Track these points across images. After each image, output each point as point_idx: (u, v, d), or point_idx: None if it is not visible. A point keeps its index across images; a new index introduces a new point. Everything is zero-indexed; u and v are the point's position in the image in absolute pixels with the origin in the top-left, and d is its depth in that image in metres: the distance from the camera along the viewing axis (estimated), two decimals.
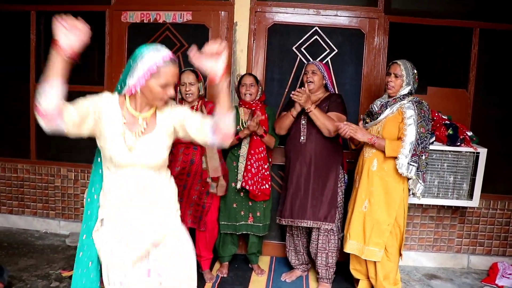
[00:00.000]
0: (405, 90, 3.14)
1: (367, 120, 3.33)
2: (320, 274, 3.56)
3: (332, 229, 3.43)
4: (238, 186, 3.53)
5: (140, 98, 2.01)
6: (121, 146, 1.99)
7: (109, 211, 2.09)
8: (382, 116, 3.17)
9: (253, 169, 3.52)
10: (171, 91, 2.00)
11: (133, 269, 2.07)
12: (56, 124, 1.82)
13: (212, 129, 1.99)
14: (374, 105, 3.28)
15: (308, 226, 3.42)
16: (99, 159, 2.18)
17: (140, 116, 2.04)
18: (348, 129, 3.09)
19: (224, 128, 1.96)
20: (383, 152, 3.08)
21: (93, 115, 1.97)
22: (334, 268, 3.54)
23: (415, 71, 3.16)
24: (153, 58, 1.92)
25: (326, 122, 3.26)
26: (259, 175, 3.55)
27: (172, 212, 2.22)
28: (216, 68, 1.89)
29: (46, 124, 1.79)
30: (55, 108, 1.77)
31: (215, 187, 3.48)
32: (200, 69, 1.88)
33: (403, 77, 3.12)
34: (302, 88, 3.32)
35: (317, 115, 3.26)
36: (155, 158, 2.05)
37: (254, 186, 3.51)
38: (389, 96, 3.23)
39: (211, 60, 1.89)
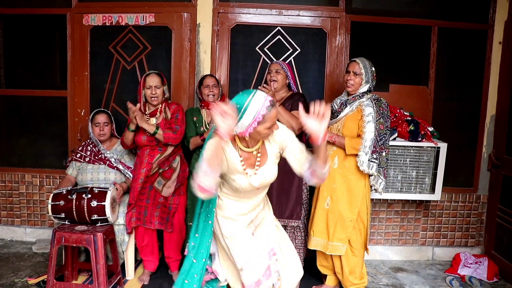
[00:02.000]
0: (364, 88, 3.20)
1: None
2: None
3: (299, 226, 3.47)
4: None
5: (249, 138, 2.32)
6: (243, 179, 2.37)
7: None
8: (342, 114, 3.22)
9: None
10: (274, 128, 2.27)
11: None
12: (213, 194, 2.21)
13: (309, 170, 2.31)
14: (334, 103, 3.34)
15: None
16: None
17: (253, 150, 2.38)
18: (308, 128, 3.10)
19: (320, 175, 2.28)
20: (344, 149, 3.14)
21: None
22: (302, 264, 3.57)
23: (373, 69, 3.22)
24: (258, 108, 2.17)
25: (290, 120, 3.29)
26: None
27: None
28: (320, 130, 2.10)
29: (205, 196, 2.18)
30: (215, 186, 2.13)
31: (161, 184, 3.47)
32: (306, 127, 2.13)
33: (362, 75, 3.18)
34: (267, 85, 3.36)
35: (281, 113, 3.29)
36: (271, 180, 2.47)
37: None
38: (349, 94, 3.29)
39: (316, 121, 2.09)
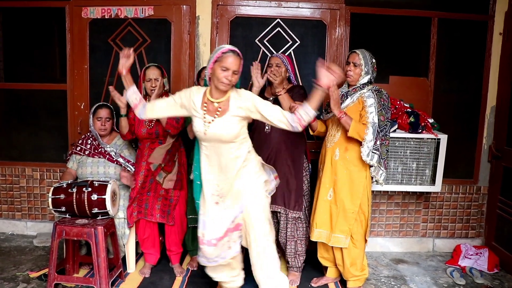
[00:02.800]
0: (365, 79, 3.19)
1: (329, 110, 3.37)
2: (290, 263, 3.60)
3: (300, 217, 3.47)
4: (191, 177, 3.54)
5: (212, 85, 2.66)
6: (200, 124, 2.69)
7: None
8: (343, 106, 3.21)
9: None
10: (229, 77, 2.55)
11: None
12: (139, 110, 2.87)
13: (294, 120, 2.61)
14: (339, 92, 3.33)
15: (274, 210, 3.46)
16: None
17: (216, 102, 2.66)
18: (331, 90, 3.03)
19: (305, 118, 2.59)
20: (346, 131, 3.10)
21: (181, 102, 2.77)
22: (304, 256, 3.58)
23: (374, 60, 3.21)
24: (219, 50, 2.58)
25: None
26: None
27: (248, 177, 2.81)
28: (327, 79, 2.54)
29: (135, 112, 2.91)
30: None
31: (162, 177, 3.48)
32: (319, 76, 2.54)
33: (361, 66, 3.18)
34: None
35: (286, 99, 3.29)
36: (225, 135, 2.65)
37: None
38: (349, 86, 3.28)
39: (326, 72, 2.54)
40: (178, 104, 2.78)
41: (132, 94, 2.90)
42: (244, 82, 4.02)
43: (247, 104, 2.65)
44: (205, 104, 2.69)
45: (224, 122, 2.65)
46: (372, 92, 3.13)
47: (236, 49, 2.60)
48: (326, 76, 2.52)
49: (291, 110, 3.18)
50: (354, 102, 3.18)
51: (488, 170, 4.26)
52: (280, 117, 2.63)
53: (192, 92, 2.75)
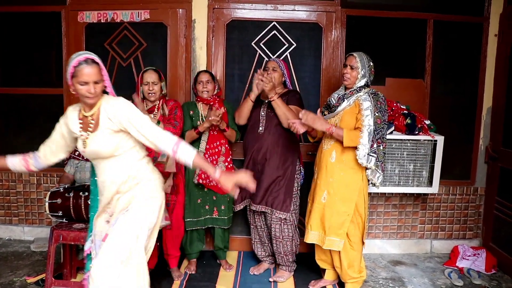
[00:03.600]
0: (361, 82, 3.20)
1: (325, 113, 3.38)
2: (278, 261, 3.66)
3: (286, 218, 3.49)
4: (195, 180, 3.55)
5: (81, 99, 2.38)
6: (79, 141, 2.45)
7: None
8: (339, 108, 3.22)
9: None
10: (91, 89, 2.29)
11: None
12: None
13: (167, 152, 2.38)
14: (332, 98, 3.34)
15: (260, 210, 3.50)
16: None
17: (88, 115, 2.40)
18: (304, 121, 3.11)
19: (179, 159, 2.37)
20: (341, 142, 3.12)
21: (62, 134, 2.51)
22: (292, 257, 3.62)
23: (371, 63, 3.22)
24: (71, 63, 2.28)
25: (287, 112, 3.34)
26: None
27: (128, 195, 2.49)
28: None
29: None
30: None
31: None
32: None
33: (358, 69, 3.18)
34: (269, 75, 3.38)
35: (279, 104, 3.32)
36: (102, 151, 2.40)
37: (208, 180, 3.55)
38: (346, 88, 3.29)
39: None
40: (62, 135, 2.50)
41: (15, 164, 2.59)
42: (241, 86, 4.05)
43: (119, 117, 2.35)
44: (80, 121, 2.43)
45: (98, 136, 2.38)
46: (369, 95, 3.14)
47: (90, 56, 2.31)
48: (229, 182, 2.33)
49: (290, 126, 3.19)
50: (350, 105, 3.18)
51: (485, 171, 4.26)
52: (154, 141, 2.36)
53: (66, 115, 2.48)
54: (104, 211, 2.53)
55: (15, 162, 2.59)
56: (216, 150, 3.58)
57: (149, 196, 2.52)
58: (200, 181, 3.54)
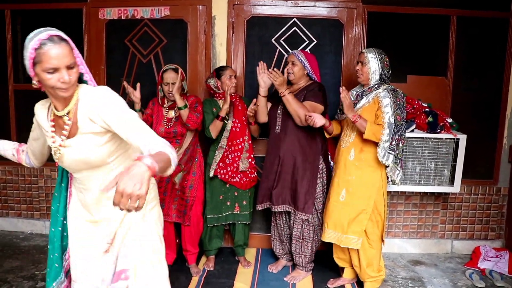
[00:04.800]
0: (375, 76, 3.18)
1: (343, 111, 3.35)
2: (295, 261, 3.64)
3: (308, 220, 3.46)
4: (211, 174, 3.56)
5: (49, 93, 1.81)
6: (54, 153, 1.94)
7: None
8: (358, 106, 3.20)
9: (227, 160, 3.57)
10: (64, 76, 1.69)
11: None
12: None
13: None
14: (350, 95, 3.31)
15: (282, 210, 3.50)
16: None
17: (63, 114, 1.83)
18: (316, 118, 3.12)
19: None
20: (362, 133, 3.09)
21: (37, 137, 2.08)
22: (310, 258, 3.59)
23: (384, 57, 3.19)
24: (30, 44, 1.66)
25: (297, 109, 3.26)
26: (233, 166, 3.59)
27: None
28: None
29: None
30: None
31: (180, 178, 3.52)
32: None
33: (368, 64, 3.17)
34: (278, 70, 3.34)
35: (289, 101, 3.27)
36: (85, 160, 1.85)
37: (227, 176, 3.57)
38: (364, 86, 3.26)
39: None
40: (38, 139, 2.08)
41: (6, 151, 2.24)
42: (253, 83, 4.02)
43: (102, 115, 1.77)
44: (52, 123, 1.89)
45: (79, 143, 1.83)
46: (388, 92, 3.11)
47: (54, 32, 1.69)
48: None
49: (307, 119, 3.17)
50: (369, 102, 3.16)
51: (508, 171, 4.18)
52: (138, 143, 1.69)
53: (35, 113, 1.97)
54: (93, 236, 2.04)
55: (6, 148, 2.23)
56: (240, 146, 3.58)
57: (150, 200, 2.10)
58: (219, 176, 3.55)
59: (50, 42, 1.65)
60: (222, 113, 3.47)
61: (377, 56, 3.18)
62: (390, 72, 3.22)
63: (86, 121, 1.79)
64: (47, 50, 1.64)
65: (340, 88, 3.10)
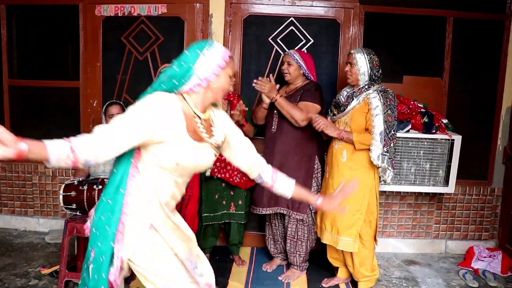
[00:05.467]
0: (365, 76, 3.19)
1: (335, 112, 3.35)
2: (289, 260, 3.65)
3: (303, 220, 3.46)
4: (207, 173, 3.54)
5: (203, 95, 1.86)
6: (188, 152, 1.82)
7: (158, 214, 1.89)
8: (349, 107, 3.20)
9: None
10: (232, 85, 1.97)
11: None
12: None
13: (270, 178, 2.12)
14: (341, 96, 3.34)
15: (277, 212, 3.49)
16: (132, 160, 1.84)
17: (204, 116, 1.91)
18: (315, 125, 3.15)
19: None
20: (353, 144, 3.13)
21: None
22: (304, 257, 3.59)
23: (373, 56, 3.20)
24: (222, 50, 1.85)
25: (292, 111, 3.26)
26: (232, 165, 3.56)
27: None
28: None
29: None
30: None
31: None
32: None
33: (357, 65, 3.18)
34: (265, 78, 3.33)
35: (282, 105, 3.27)
36: (212, 162, 1.98)
37: (224, 174, 3.55)
38: (354, 87, 3.28)
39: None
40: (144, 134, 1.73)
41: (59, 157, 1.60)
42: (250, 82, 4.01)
43: (224, 122, 2.07)
44: (199, 125, 1.90)
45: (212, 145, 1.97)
46: (378, 93, 3.11)
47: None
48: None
49: (312, 122, 3.17)
50: (360, 104, 3.16)
51: (502, 172, 4.20)
52: (252, 154, 2.10)
53: (160, 109, 1.74)
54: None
55: (59, 153, 1.61)
56: None
57: None
58: (219, 175, 3.55)
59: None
60: None
61: (366, 57, 3.18)
62: (380, 72, 3.23)
63: (220, 125, 2.01)
64: (231, 61, 1.90)
65: (314, 118, 3.14)
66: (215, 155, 1.97)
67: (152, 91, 1.84)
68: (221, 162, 3.55)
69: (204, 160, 1.90)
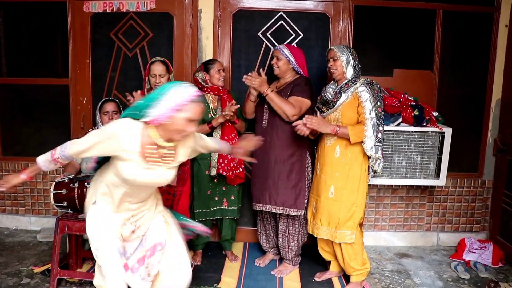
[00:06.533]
0: (349, 69, 3.21)
1: (323, 109, 3.35)
2: (282, 255, 3.66)
3: (295, 216, 3.47)
4: (213, 173, 3.53)
5: (161, 130, 2.12)
6: (135, 172, 2.17)
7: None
8: (338, 103, 3.20)
9: (229, 155, 3.53)
10: (192, 128, 2.11)
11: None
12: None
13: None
14: (327, 93, 3.34)
15: (276, 212, 3.47)
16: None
17: (167, 145, 2.19)
18: (309, 125, 3.11)
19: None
20: (347, 139, 3.13)
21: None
22: (296, 252, 3.60)
23: (352, 50, 3.26)
24: (184, 93, 2.05)
25: (282, 106, 3.26)
26: (235, 161, 3.56)
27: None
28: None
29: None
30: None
31: None
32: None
33: (340, 57, 3.21)
34: (254, 72, 3.33)
35: (272, 99, 3.27)
36: (169, 180, 2.32)
37: (231, 172, 3.55)
38: (337, 82, 3.30)
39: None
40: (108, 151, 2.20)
41: (47, 165, 2.34)
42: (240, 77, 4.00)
43: (191, 142, 2.36)
44: (150, 146, 2.17)
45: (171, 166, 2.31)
46: (365, 86, 3.14)
47: (199, 92, 2.14)
48: None
49: (296, 130, 3.18)
50: (349, 98, 3.17)
51: (493, 164, 4.22)
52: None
53: (123, 132, 2.10)
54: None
55: (46, 162, 2.30)
56: (234, 141, 3.55)
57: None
58: (224, 173, 3.54)
59: (197, 100, 2.07)
60: (215, 123, 3.47)
61: (346, 50, 3.23)
62: (359, 66, 3.26)
63: (184, 150, 2.31)
64: (194, 106, 2.06)
65: (303, 120, 3.12)
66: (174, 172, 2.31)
67: (123, 116, 2.19)
68: (223, 158, 3.54)
69: (157, 179, 2.26)
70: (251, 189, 3.60)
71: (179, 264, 2.47)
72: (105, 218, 2.35)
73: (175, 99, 2.03)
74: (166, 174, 2.26)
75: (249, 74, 3.27)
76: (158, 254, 2.43)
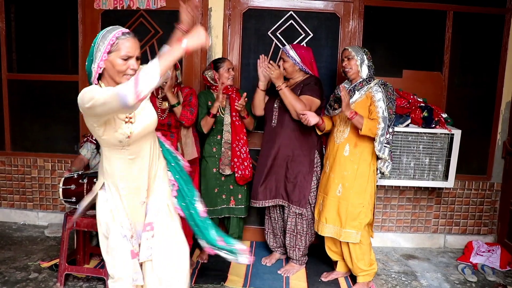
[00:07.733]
0: (364, 68, 3.22)
1: (335, 106, 3.34)
2: (288, 254, 3.65)
3: (302, 214, 3.47)
4: (228, 172, 3.54)
5: (108, 78, 2.09)
6: (125, 128, 2.14)
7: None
8: (351, 101, 3.20)
9: (241, 154, 3.55)
10: (133, 64, 2.04)
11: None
12: None
13: (125, 88, 1.88)
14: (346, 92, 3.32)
15: (277, 204, 3.50)
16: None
17: None
18: (310, 117, 3.15)
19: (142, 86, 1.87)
20: (358, 129, 3.11)
21: None
22: (303, 251, 3.60)
23: (366, 50, 3.27)
24: (111, 33, 2.00)
25: (295, 103, 3.25)
26: (248, 160, 3.59)
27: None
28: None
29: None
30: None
31: None
32: None
33: (355, 57, 3.22)
34: (275, 63, 3.33)
35: (286, 94, 3.27)
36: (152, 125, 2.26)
37: (247, 171, 3.58)
38: (351, 81, 3.31)
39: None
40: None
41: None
42: (256, 75, 4.00)
43: None
44: None
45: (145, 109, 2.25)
46: (379, 86, 3.15)
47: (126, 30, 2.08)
48: (197, 36, 1.99)
49: (301, 118, 3.18)
50: (362, 97, 3.18)
51: (501, 166, 4.20)
52: None
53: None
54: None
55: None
56: (243, 140, 3.56)
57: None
58: (239, 172, 3.57)
59: (128, 35, 2.02)
60: (214, 110, 3.46)
61: (360, 50, 3.25)
62: (373, 66, 3.27)
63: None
64: (124, 41, 2.00)
65: (340, 86, 3.15)
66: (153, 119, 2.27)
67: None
68: (237, 158, 3.55)
69: (143, 126, 2.20)
70: (256, 188, 3.55)
71: (172, 256, 2.40)
72: (113, 203, 2.33)
73: (104, 43, 2.00)
74: (148, 117, 2.22)
75: (271, 62, 3.28)
76: (148, 234, 2.36)
